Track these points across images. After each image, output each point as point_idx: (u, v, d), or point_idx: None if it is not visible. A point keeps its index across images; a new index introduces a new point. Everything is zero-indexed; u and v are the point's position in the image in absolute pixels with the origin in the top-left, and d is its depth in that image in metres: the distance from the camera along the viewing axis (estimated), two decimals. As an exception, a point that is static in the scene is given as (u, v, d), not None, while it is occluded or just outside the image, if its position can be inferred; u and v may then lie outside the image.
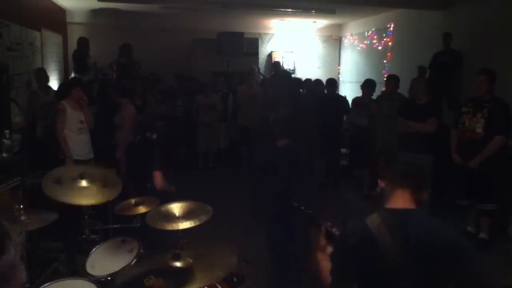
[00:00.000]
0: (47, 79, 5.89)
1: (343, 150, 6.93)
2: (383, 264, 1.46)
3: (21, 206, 2.50)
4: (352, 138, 6.32)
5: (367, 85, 5.98)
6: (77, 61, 7.16)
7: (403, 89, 6.09)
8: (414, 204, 1.57)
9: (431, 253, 1.44)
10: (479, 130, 3.98)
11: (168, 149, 3.61)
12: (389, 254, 1.45)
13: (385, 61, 7.95)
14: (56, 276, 2.57)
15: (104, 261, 2.60)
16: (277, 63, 9.00)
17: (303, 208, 1.97)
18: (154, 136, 3.72)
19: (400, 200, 1.57)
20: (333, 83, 6.70)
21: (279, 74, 8.38)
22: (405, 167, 1.67)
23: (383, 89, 6.43)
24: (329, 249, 1.73)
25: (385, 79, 6.15)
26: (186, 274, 1.73)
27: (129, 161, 4.36)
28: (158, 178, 3.45)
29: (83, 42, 7.25)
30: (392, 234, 1.47)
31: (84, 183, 2.74)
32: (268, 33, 9.66)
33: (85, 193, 2.68)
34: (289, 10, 7.50)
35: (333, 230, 1.79)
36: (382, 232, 1.48)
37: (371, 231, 1.50)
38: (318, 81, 7.12)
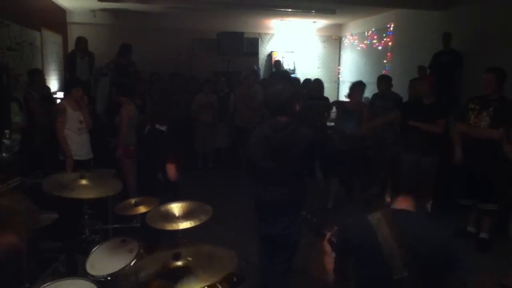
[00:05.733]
0: (42, 81, 5.85)
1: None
2: (380, 258, 1.52)
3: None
4: (339, 148, 5.23)
5: (357, 88, 5.27)
6: (69, 59, 7.23)
7: (403, 89, 6.10)
8: (415, 208, 1.64)
9: (426, 254, 1.50)
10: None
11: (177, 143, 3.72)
12: (387, 249, 1.52)
13: (385, 61, 7.95)
14: (56, 276, 2.57)
15: (104, 261, 2.60)
16: (278, 61, 9.02)
17: (309, 216, 1.98)
18: (163, 128, 3.78)
19: (403, 204, 1.65)
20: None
21: (279, 73, 8.42)
22: (407, 175, 1.72)
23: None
24: (331, 255, 1.78)
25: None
26: (186, 274, 1.73)
27: (139, 152, 4.43)
28: (171, 170, 3.53)
29: (77, 41, 7.28)
30: (391, 230, 1.54)
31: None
32: (268, 33, 9.66)
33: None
34: (289, 10, 7.50)
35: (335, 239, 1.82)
36: (382, 225, 1.55)
37: (371, 226, 1.58)
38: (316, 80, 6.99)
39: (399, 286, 1.50)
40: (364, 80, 7.40)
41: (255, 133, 2.90)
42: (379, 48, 8.21)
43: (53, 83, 6.92)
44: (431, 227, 1.58)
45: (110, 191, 2.85)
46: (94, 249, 2.71)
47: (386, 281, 1.52)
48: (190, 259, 1.82)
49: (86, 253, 2.67)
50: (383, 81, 5.86)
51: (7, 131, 3.64)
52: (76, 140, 4.40)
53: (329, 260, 1.78)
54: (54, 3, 7.32)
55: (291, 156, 2.74)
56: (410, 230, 1.55)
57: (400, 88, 6.09)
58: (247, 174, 3.23)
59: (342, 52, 10.02)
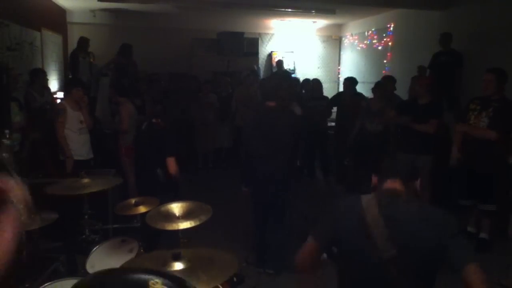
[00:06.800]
0: (45, 81, 5.85)
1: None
2: (366, 233, 1.54)
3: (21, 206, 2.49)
4: (361, 144, 5.49)
5: (378, 88, 5.49)
6: (71, 59, 7.23)
7: (403, 89, 6.10)
8: (406, 192, 1.65)
9: (416, 232, 1.51)
10: None
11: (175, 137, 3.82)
12: (376, 228, 1.53)
13: (385, 61, 7.95)
14: (56, 276, 2.57)
15: (104, 261, 2.60)
16: (280, 61, 9.01)
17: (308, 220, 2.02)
18: (161, 122, 3.79)
19: (392, 187, 1.66)
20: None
21: (279, 73, 8.43)
22: (398, 166, 1.73)
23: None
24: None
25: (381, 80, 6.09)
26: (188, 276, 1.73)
27: (138, 148, 4.43)
28: (171, 163, 3.54)
29: (80, 41, 7.28)
30: (380, 209, 1.57)
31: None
32: (268, 33, 9.66)
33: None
34: (289, 10, 7.50)
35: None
36: (371, 205, 1.59)
37: (361, 203, 1.62)
38: (316, 80, 6.99)
39: (388, 269, 1.48)
40: (364, 80, 7.40)
41: (248, 120, 3.38)
42: (379, 48, 8.21)
43: (53, 83, 6.92)
44: (422, 208, 1.59)
45: (111, 184, 2.94)
46: (94, 249, 2.72)
47: (373, 264, 1.51)
48: (190, 261, 1.82)
49: (86, 253, 2.68)
50: (390, 82, 5.79)
51: (7, 131, 3.63)
52: (76, 140, 4.40)
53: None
54: (54, 3, 7.32)
55: (279, 136, 3.17)
56: (402, 211, 1.56)
57: (400, 88, 6.08)
58: (244, 159, 3.57)
59: (342, 52, 10.02)
